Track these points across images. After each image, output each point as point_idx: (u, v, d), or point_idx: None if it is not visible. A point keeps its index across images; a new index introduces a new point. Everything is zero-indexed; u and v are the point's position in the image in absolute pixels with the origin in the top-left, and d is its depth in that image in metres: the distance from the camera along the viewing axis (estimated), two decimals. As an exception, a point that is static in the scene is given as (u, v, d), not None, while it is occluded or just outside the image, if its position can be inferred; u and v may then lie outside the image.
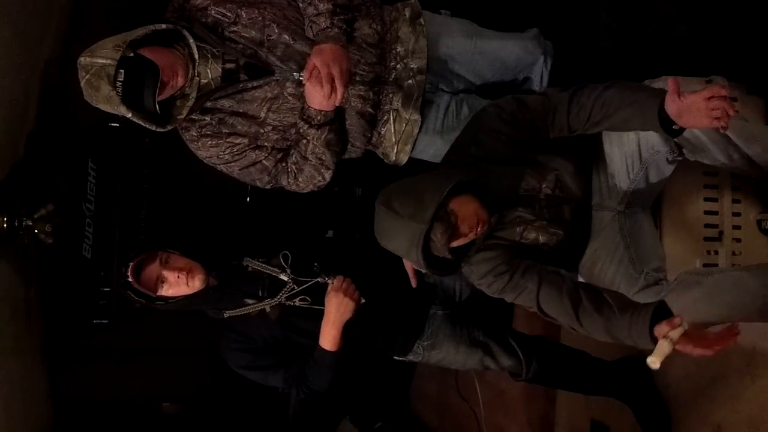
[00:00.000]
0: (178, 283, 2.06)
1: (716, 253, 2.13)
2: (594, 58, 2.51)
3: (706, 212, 2.13)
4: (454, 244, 1.81)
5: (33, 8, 2.18)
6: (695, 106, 1.60)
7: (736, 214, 2.14)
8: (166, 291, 2.06)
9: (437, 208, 1.73)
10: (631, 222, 2.04)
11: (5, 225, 2.16)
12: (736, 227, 2.15)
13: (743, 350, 1.91)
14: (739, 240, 2.14)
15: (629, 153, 1.96)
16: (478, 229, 1.81)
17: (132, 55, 1.82)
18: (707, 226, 2.14)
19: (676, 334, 1.55)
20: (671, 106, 1.64)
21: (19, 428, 2.44)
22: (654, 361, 1.54)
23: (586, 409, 2.53)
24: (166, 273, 2.04)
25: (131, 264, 2.00)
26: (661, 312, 1.65)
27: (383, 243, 1.87)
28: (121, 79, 1.79)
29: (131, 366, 3.21)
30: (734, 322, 1.61)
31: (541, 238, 1.97)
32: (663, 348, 1.55)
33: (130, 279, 2.00)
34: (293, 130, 2.08)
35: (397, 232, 1.79)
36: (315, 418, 3.43)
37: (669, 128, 1.69)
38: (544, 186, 1.96)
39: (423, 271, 1.87)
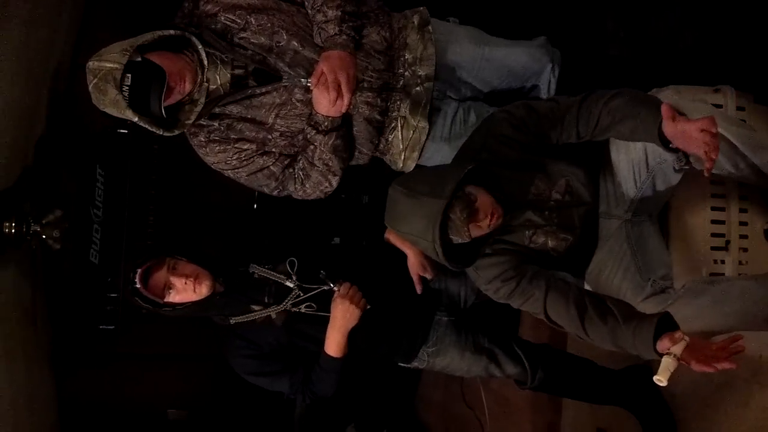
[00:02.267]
0: (185, 290, 2.06)
1: (723, 262, 2.13)
2: (601, 67, 2.52)
3: (713, 221, 2.13)
4: (471, 231, 1.79)
5: (43, 15, 2.19)
6: (688, 134, 1.64)
7: (743, 224, 2.15)
8: (173, 297, 2.06)
9: (457, 184, 1.72)
10: (637, 230, 2.04)
11: (13, 230, 2.16)
12: (743, 236, 2.15)
13: (749, 359, 1.89)
14: (745, 249, 2.14)
15: (636, 161, 1.96)
16: (494, 218, 1.81)
17: (139, 59, 1.83)
18: (714, 235, 2.14)
19: (678, 349, 1.56)
20: (667, 128, 1.69)
21: (25, 433, 2.45)
22: (660, 380, 1.56)
23: (591, 417, 2.52)
24: (173, 279, 2.05)
25: (139, 270, 2.01)
26: (665, 323, 1.65)
27: (397, 226, 1.85)
28: (128, 83, 1.80)
29: (137, 372, 3.21)
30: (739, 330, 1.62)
31: (550, 243, 1.97)
32: (668, 365, 1.56)
33: (138, 285, 2.01)
34: (301, 136, 2.09)
35: (414, 212, 1.77)
36: (320, 424, 3.42)
37: (668, 146, 1.74)
38: (553, 191, 1.96)
39: (437, 259, 1.82)
